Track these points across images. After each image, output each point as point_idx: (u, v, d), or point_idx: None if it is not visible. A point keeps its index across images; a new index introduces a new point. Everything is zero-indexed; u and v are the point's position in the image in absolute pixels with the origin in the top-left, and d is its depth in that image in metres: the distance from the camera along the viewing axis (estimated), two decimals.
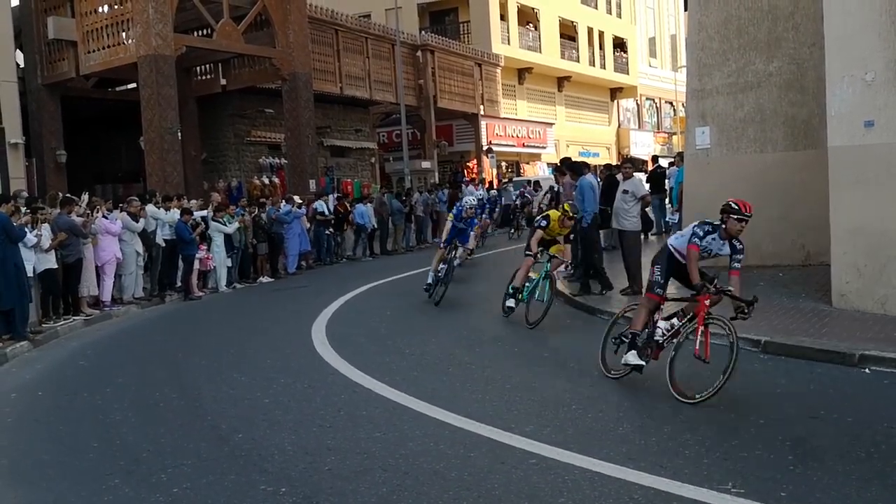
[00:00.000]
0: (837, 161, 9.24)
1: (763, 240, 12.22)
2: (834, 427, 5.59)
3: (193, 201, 15.89)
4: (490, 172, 33.36)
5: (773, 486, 4.49)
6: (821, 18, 9.75)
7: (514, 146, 36.60)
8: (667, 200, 18.15)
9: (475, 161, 34.15)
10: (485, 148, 33.75)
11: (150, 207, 14.17)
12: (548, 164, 37.23)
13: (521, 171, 37.45)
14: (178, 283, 14.56)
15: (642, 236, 13.19)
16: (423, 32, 33.10)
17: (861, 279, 9.08)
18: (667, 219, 17.79)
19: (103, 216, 12.77)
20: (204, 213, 15.08)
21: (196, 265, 14.60)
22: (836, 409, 5.94)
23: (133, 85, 22.34)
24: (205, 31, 22.63)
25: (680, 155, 16.53)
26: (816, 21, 11.22)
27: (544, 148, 38.96)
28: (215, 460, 5.45)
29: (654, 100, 51.27)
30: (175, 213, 14.22)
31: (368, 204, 20.90)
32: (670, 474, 4.71)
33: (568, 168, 12.65)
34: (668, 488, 4.52)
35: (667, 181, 18.11)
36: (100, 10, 20.97)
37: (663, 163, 21.50)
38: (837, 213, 9.26)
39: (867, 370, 7.00)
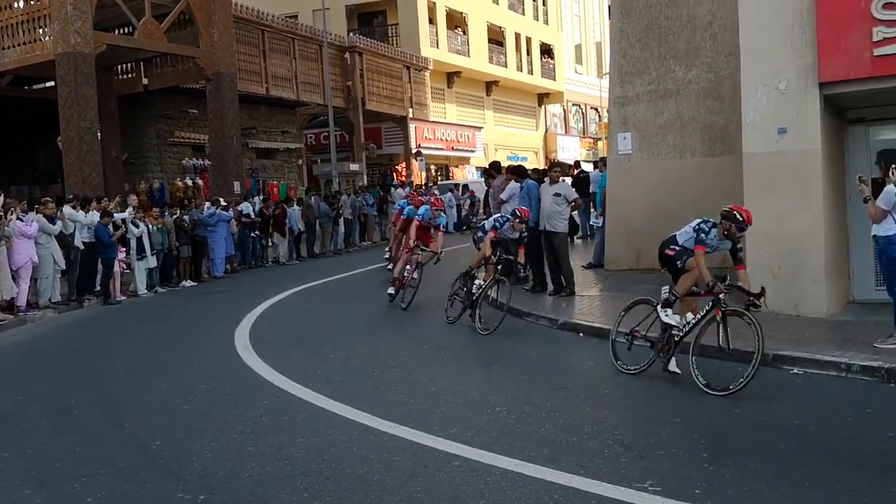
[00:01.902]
0: (752, 167, 9.52)
1: None
2: (747, 425, 5.77)
3: (111, 202, 15.45)
4: (419, 175, 33.42)
5: (688, 483, 4.61)
6: (737, 29, 10.05)
7: (443, 149, 36.72)
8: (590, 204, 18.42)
9: (404, 164, 34.16)
10: (414, 151, 33.79)
11: (67, 209, 13.76)
12: (476, 167, 37.52)
13: (451, 174, 37.61)
14: (98, 288, 14.16)
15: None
16: (351, 34, 32.93)
17: (775, 281, 9.35)
18: (591, 222, 18.06)
19: (18, 218, 12.34)
20: (124, 215, 14.70)
21: (116, 268, 14.23)
22: (750, 408, 6.13)
23: (51, 83, 21.66)
24: (126, 30, 22.08)
25: (603, 160, 16.82)
26: (733, 31, 11.54)
27: (473, 151, 39.19)
28: (132, 469, 5.31)
29: (580, 105, 52.08)
30: (94, 216, 13.82)
31: (296, 207, 20.70)
32: (590, 474, 4.79)
33: (512, 171, 12.92)
34: (588, 488, 4.60)
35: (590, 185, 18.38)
36: (15, 5, 20.26)
37: (586, 167, 21.81)
38: (752, 218, 9.52)
39: (795, 370, 7.23)
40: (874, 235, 7.76)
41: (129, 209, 15.00)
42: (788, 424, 5.70)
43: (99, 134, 19.28)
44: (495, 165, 14.70)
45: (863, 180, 7.59)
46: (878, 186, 7.80)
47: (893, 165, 7.09)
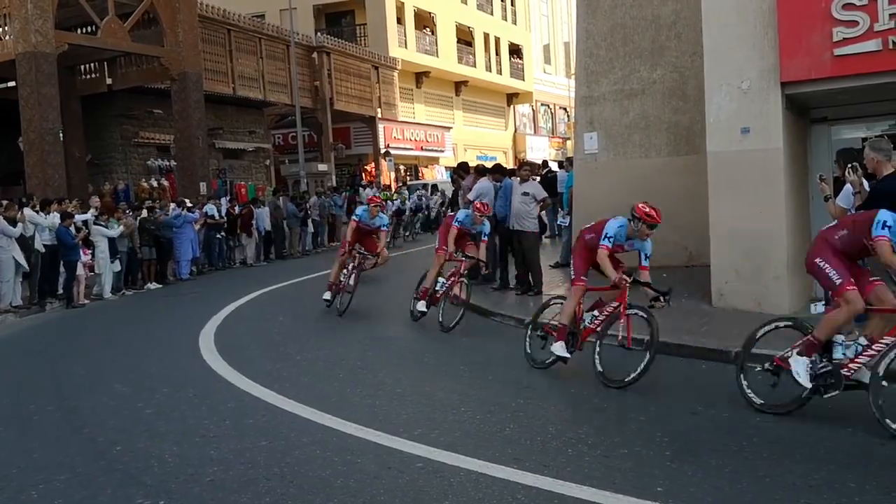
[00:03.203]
0: (715, 166, 9.61)
1: None
2: (710, 422, 5.81)
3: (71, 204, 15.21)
4: (388, 176, 33.34)
5: (650, 481, 4.63)
6: (701, 28, 10.12)
7: (412, 149, 36.67)
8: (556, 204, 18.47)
9: (373, 164, 34.06)
10: (383, 151, 33.70)
11: (27, 211, 13.54)
12: (446, 167, 37.51)
13: (420, 174, 37.58)
14: (60, 291, 13.94)
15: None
16: (318, 34, 32.75)
17: (738, 279, 9.46)
18: (558, 222, 18.12)
19: None
20: (86, 216, 14.48)
21: (79, 271, 14.01)
22: (713, 405, 6.17)
23: (12, 83, 21.33)
24: (89, 29, 21.80)
25: (569, 160, 16.91)
26: (697, 31, 11.61)
27: (442, 152, 39.18)
28: (91, 474, 5.23)
29: (548, 105, 52.26)
30: (55, 218, 13.61)
31: (264, 207, 20.56)
32: (553, 473, 4.79)
33: (491, 171, 12.92)
34: (551, 487, 4.59)
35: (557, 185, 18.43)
36: None
37: (553, 166, 21.94)
38: (716, 216, 9.62)
39: (756, 367, 7.27)
40: None
41: (92, 210, 14.79)
42: (750, 421, 5.74)
43: (61, 134, 19.06)
44: (463, 166, 14.69)
45: (823, 179, 7.66)
46: (839, 185, 7.90)
47: (850, 165, 7.16)
